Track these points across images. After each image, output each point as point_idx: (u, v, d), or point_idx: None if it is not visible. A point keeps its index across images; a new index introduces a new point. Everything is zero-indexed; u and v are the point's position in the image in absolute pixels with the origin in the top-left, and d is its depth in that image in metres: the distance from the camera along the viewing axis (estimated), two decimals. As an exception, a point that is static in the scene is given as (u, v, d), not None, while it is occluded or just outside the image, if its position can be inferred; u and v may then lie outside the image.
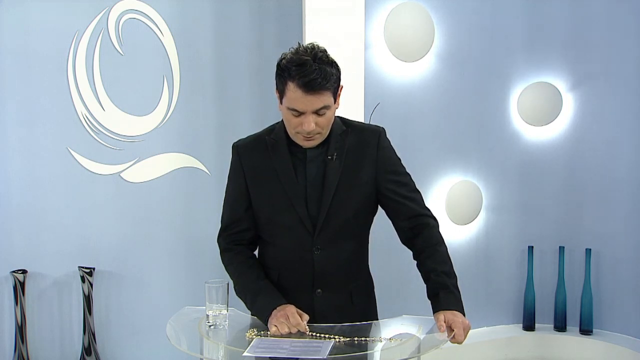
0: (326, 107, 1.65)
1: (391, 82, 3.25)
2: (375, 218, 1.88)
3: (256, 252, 1.92)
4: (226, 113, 3.04)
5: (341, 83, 1.70)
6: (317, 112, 1.64)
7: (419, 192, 1.85)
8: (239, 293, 1.80)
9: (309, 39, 2.84)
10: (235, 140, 1.86)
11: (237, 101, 3.05)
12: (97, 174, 2.85)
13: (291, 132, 1.71)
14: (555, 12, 3.45)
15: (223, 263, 1.87)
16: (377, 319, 1.85)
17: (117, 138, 2.87)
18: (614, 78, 3.38)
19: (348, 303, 1.80)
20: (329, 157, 1.74)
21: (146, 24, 2.88)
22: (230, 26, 3.01)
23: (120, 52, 2.86)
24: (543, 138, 3.53)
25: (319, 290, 1.77)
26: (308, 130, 1.64)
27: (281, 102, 1.69)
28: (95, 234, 2.86)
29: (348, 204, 1.75)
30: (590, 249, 3.41)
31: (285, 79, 1.63)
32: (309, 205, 1.74)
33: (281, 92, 1.67)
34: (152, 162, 2.94)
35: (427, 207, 1.85)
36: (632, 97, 3.34)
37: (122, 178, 2.89)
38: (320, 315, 1.72)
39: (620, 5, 3.33)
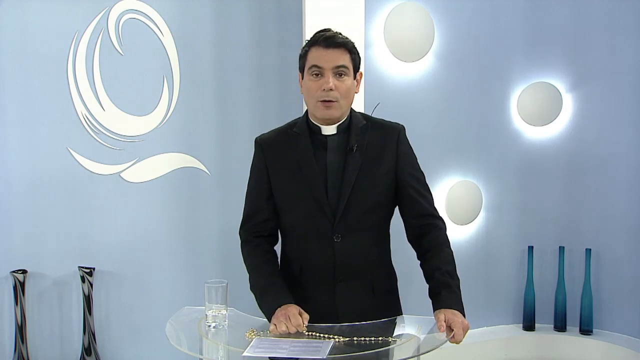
0: (345, 68, 1.72)
1: (391, 82, 3.26)
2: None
3: (277, 247, 1.93)
4: (226, 113, 3.04)
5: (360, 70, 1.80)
6: (336, 73, 1.71)
7: (431, 193, 1.89)
8: (251, 287, 1.82)
9: (309, 39, 2.84)
10: (257, 135, 1.91)
11: (237, 101, 3.05)
12: (97, 174, 2.85)
13: (312, 101, 1.76)
14: (555, 12, 3.46)
15: (242, 255, 1.90)
16: (401, 314, 1.87)
17: (117, 138, 2.87)
18: (614, 78, 3.38)
19: (369, 293, 1.82)
20: (350, 148, 1.78)
21: (146, 24, 2.88)
22: (230, 26, 3.01)
23: (120, 52, 2.86)
24: (543, 138, 3.53)
25: (340, 280, 1.79)
26: (328, 86, 1.70)
27: (303, 77, 1.78)
28: (95, 234, 2.86)
29: (368, 193, 1.78)
30: (590, 249, 3.41)
31: (309, 47, 1.75)
32: (329, 194, 1.77)
33: (303, 63, 1.77)
34: (152, 162, 2.94)
35: (437, 209, 1.88)
36: (632, 97, 3.34)
37: (122, 178, 2.89)
38: (341, 305, 1.77)
39: (620, 5, 3.33)
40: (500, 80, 3.49)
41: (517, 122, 3.53)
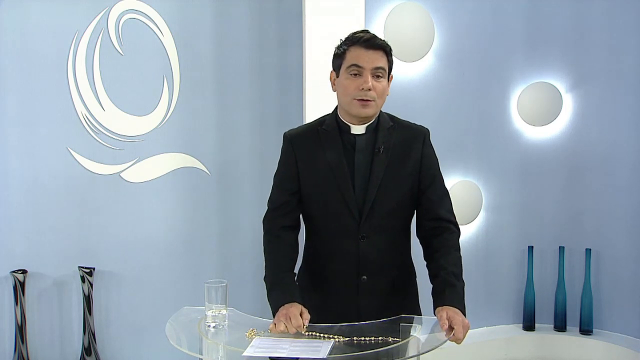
0: (383, 70, 1.77)
1: (391, 82, 3.25)
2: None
3: (301, 240, 1.94)
4: (226, 113, 3.04)
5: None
6: (374, 74, 1.75)
7: (449, 198, 1.91)
8: (264, 279, 1.85)
9: (309, 39, 2.84)
10: (286, 131, 1.93)
11: (237, 101, 3.05)
12: (97, 174, 2.85)
13: (347, 99, 1.78)
14: (555, 12, 3.45)
15: (263, 244, 1.92)
16: (420, 311, 1.90)
17: (117, 138, 2.87)
18: (614, 78, 3.38)
19: (391, 289, 1.85)
20: (377, 149, 1.81)
21: (146, 24, 2.88)
22: (230, 26, 3.01)
23: (120, 52, 2.86)
24: (543, 138, 3.53)
25: (364, 277, 1.82)
26: (367, 86, 1.74)
27: (338, 75, 1.81)
28: (95, 234, 2.86)
29: (393, 194, 1.81)
30: (590, 249, 3.41)
31: (347, 46, 1.78)
32: (356, 193, 1.80)
33: (339, 62, 1.79)
34: (152, 162, 2.94)
35: (454, 215, 1.90)
36: (632, 97, 3.34)
37: (122, 178, 2.89)
38: (363, 301, 1.82)
39: (620, 5, 3.33)
40: (500, 80, 3.49)
41: (517, 122, 3.53)
